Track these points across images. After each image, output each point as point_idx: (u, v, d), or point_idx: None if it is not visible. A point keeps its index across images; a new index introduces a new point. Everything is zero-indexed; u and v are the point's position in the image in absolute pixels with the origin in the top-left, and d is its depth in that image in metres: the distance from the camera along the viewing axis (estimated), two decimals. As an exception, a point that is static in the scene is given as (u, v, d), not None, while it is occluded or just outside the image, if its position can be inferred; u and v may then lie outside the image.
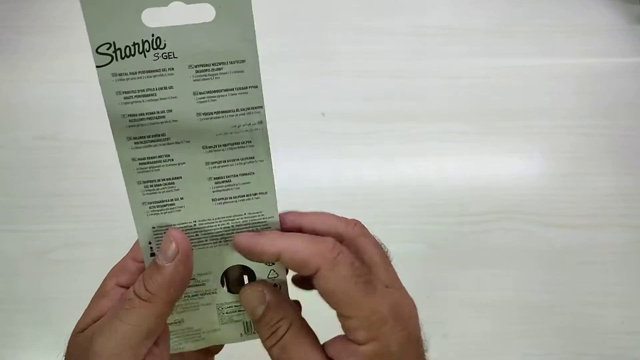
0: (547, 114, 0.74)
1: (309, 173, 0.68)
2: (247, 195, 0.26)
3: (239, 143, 0.25)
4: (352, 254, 0.26)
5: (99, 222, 0.62)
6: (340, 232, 0.27)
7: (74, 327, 0.27)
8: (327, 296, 0.25)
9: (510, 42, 0.81)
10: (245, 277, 0.28)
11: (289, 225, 0.27)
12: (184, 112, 0.24)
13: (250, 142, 0.25)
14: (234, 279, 0.28)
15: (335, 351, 0.25)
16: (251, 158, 0.26)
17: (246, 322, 0.29)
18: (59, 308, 0.56)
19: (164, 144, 0.25)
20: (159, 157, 0.25)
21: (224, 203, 0.26)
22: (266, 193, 0.26)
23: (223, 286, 0.28)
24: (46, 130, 0.70)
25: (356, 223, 0.28)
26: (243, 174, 0.26)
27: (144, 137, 0.25)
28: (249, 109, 0.25)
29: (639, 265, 0.62)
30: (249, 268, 0.28)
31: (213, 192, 0.26)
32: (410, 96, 0.75)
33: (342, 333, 0.26)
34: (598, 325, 0.58)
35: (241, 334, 0.29)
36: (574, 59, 0.79)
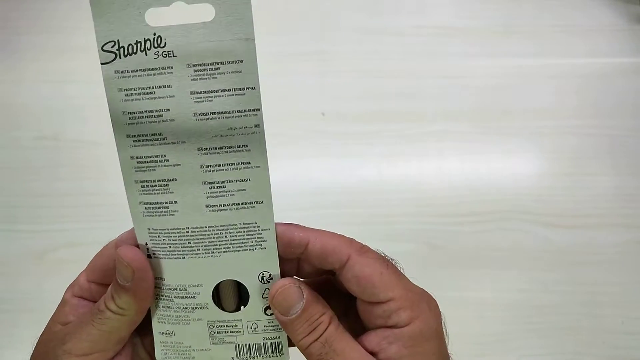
0: (547, 114, 0.74)
1: (309, 173, 0.68)
2: (241, 204, 0.25)
3: (234, 147, 0.24)
4: None
5: (99, 222, 0.62)
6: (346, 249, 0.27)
7: (41, 333, 0.29)
8: (362, 281, 0.25)
9: (510, 42, 0.81)
10: (233, 294, 0.27)
11: (297, 238, 0.26)
12: (181, 112, 0.24)
13: (247, 146, 0.24)
14: (226, 295, 0.27)
15: (375, 343, 0.25)
16: (247, 163, 0.25)
17: (238, 345, 0.27)
18: (59, 308, 0.56)
19: (161, 144, 0.24)
20: (155, 156, 0.25)
21: (218, 210, 0.25)
22: (262, 202, 0.25)
23: (214, 302, 0.27)
24: (46, 131, 0.70)
25: (362, 246, 0.27)
26: (238, 180, 0.25)
27: (142, 135, 0.24)
28: (245, 111, 0.24)
29: (639, 265, 0.62)
30: (241, 284, 0.27)
31: (207, 197, 0.25)
32: (410, 96, 0.75)
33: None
34: (598, 325, 0.58)
35: (232, 357, 0.28)
36: (574, 59, 0.79)
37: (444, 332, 0.26)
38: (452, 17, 0.84)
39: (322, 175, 0.67)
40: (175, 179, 0.25)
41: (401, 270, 0.27)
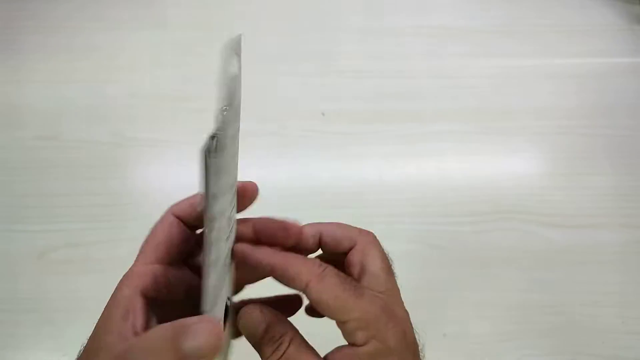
0: (547, 114, 0.74)
1: (309, 173, 0.68)
2: None
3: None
4: (336, 269, 0.27)
5: (99, 222, 0.62)
6: (354, 237, 0.29)
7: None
8: (320, 305, 0.26)
9: (510, 42, 0.81)
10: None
11: (311, 231, 0.29)
12: None
13: None
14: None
15: (339, 359, 0.26)
16: None
17: None
18: (59, 308, 0.56)
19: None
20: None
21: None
22: None
23: None
24: (47, 130, 0.70)
25: (369, 233, 0.30)
26: None
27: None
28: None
29: (639, 265, 0.62)
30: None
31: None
32: (410, 96, 0.75)
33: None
34: (597, 325, 0.58)
35: None
36: (573, 59, 0.80)
37: (414, 342, 0.28)
38: (452, 17, 0.84)
39: (322, 175, 0.67)
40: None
41: (394, 271, 0.29)
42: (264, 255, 0.28)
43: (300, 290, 0.27)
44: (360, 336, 0.26)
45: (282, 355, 0.26)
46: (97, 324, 0.26)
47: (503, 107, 0.74)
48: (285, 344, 0.26)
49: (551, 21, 0.83)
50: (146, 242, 0.28)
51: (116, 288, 0.27)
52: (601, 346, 0.57)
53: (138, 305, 0.26)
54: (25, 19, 0.81)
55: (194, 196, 0.29)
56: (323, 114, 0.72)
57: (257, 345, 0.27)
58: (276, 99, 0.74)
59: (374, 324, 0.26)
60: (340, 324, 0.26)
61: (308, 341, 0.28)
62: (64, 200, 0.64)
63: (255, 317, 0.27)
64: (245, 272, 0.29)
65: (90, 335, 0.26)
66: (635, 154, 0.70)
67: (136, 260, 0.28)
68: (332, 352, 0.27)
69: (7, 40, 0.79)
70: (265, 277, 0.29)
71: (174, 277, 0.28)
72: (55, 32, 0.79)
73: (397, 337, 0.26)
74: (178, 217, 0.29)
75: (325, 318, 0.27)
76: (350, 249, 0.29)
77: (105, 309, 0.26)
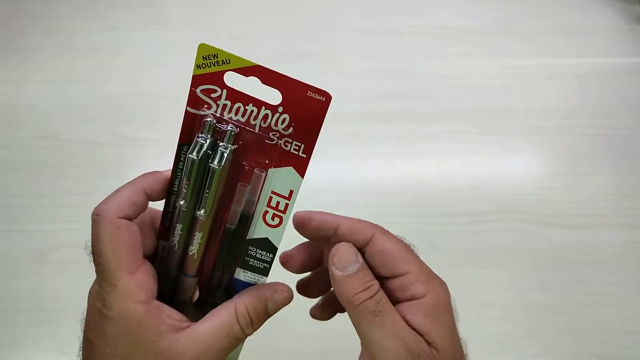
0: (547, 114, 0.74)
1: (309, 173, 0.68)
2: None
3: None
4: None
5: (99, 222, 0.62)
6: (369, 230, 0.30)
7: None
8: (384, 255, 0.28)
9: (510, 42, 0.81)
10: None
11: (328, 221, 0.30)
12: None
13: None
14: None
15: (402, 312, 0.28)
16: None
17: None
18: (59, 308, 0.56)
19: None
20: None
21: None
22: None
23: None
24: (47, 130, 0.70)
25: (384, 228, 0.31)
26: None
27: None
28: None
29: (639, 265, 0.62)
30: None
31: None
32: (410, 96, 0.75)
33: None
34: (597, 325, 0.58)
35: None
36: (574, 59, 0.80)
37: (454, 311, 0.29)
38: (452, 17, 0.84)
39: (322, 175, 0.67)
40: None
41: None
42: (326, 215, 0.30)
43: (363, 242, 0.29)
44: (420, 288, 0.28)
45: (375, 294, 0.27)
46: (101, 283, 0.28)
47: (503, 107, 0.74)
48: (376, 287, 0.28)
49: (551, 21, 0.83)
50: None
51: (98, 224, 0.29)
52: (601, 346, 0.57)
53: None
54: (25, 18, 0.81)
55: (160, 172, 0.31)
56: (323, 114, 0.72)
57: (347, 279, 0.28)
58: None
59: (431, 279, 0.28)
60: (396, 279, 0.28)
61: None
62: (64, 200, 0.64)
63: (352, 254, 0.28)
64: (309, 232, 0.30)
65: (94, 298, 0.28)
66: (635, 154, 0.70)
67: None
68: (396, 308, 0.28)
69: (7, 40, 0.79)
70: (324, 240, 0.30)
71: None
72: (55, 32, 0.79)
73: (446, 294, 0.29)
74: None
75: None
76: (367, 242, 0.29)
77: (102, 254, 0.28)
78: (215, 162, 0.27)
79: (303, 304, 0.34)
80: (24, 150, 0.68)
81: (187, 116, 0.28)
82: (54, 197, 0.64)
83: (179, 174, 0.30)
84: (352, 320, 0.28)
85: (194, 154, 0.28)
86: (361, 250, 0.29)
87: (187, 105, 0.28)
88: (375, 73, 0.77)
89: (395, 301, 0.28)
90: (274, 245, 0.30)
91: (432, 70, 0.78)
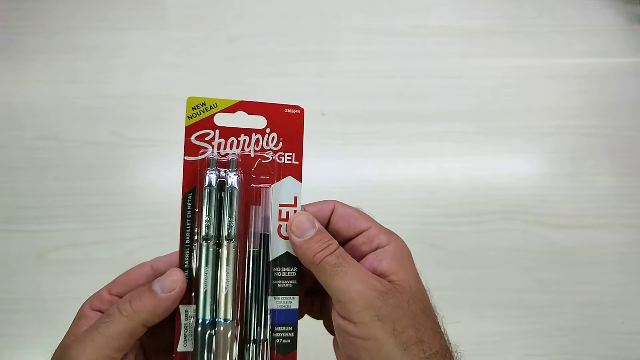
0: (547, 114, 0.74)
1: (309, 173, 0.68)
2: None
3: None
4: None
5: (99, 222, 0.62)
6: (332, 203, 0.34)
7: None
8: (347, 217, 0.32)
9: (510, 42, 0.81)
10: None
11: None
12: None
13: None
14: None
15: (368, 266, 0.30)
16: None
17: None
18: (58, 308, 0.56)
19: None
20: None
21: None
22: None
23: None
24: (46, 130, 0.70)
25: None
26: None
27: None
28: None
29: (639, 265, 0.62)
30: None
31: None
32: (410, 96, 0.75)
33: None
34: (597, 325, 0.58)
35: None
36: (574, 59, 0.79)
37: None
38: (452, 17, 0.84)
39: (322, 176, 0.67)
40: None
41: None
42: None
43: (328, 213, 0.32)
44: (383, 238, 0.31)
45: (333, 252, 0.29)
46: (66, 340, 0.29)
47: (503, 107, 0.74)
48: (335, 245, 0.30)
49: (551, 21, 0.83)
50: (120, 276, 0.31)
51: (83, 305, 0.30)
52: (601, 346, 0.57)
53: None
54: (25, 18, 0.81)
55: (174, 254, 0.31)
56: (323, 114, 0.72)
57: (306, 243, 0.30)
58: (276, 99, 0.74)
59: (390, 233, 0.32)
60: (360, 235, 0.31)
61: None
62: (64, 200, 0.64)
63: (307, 221, 0.31)
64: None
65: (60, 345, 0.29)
66: (636, 154, 0.70)
67: (105, 286, 0.31)
68: (361, 263, 0.31)
69: (7, 40, 0.79)
70: None
71: None
72: (55, 32, 0.79)
73: (406, 246, 0.32)
74: (153, 269, 0.31)
75: None
76: (331, 212, 0.33)
77: (73, 323, 0.30)
78: (233, 184, 0.30)
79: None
80: (24, 150, 0.68)
81: (187, 165, 0.31)
82: (53, 197, 0.64)
83: (189, 224, 0.30)
84: (318, 280, 0.30)
85: (210, 184, 0.30)
86: (328, 221, 0.32)
87: (184, 155, 0.31)
88: (375, 73, 0.77)
89: (362, 254, 0.31)
90: (294, 256, 0.31)
91: (432, 70, 0.78)
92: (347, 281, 0.28)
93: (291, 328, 0.31)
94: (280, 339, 0.31)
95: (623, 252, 0.63)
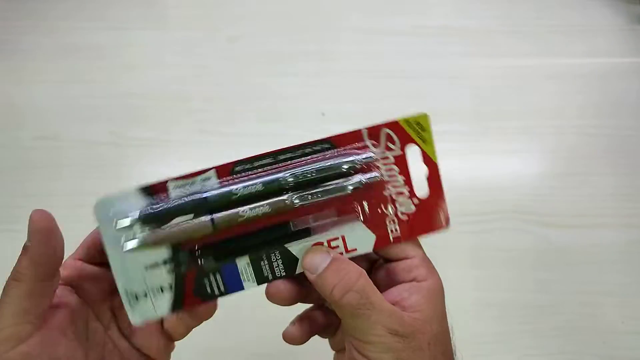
0: (547, 114, 0.74)
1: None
2: None
3: None
4: None
5: (99, 222, 0.62)
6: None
7: None
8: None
9: (511, 42, 0.81)
10: None
11: None
12: None
13: None
14: None
15: (396, 294, 0.29)
16: None
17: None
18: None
19: None
20: None
21: None
22: None
23: None
24: (46, 130, 0.70)
25: None
26: None
27: None
28: None
29: (639, 265, 0.62)
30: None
31: None
32: (410, 96, 0.75)
33: None
34: (598, 325, 0.58)
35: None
36: (574, 59, 0.79)
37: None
38: (452, 17, 0.84)
39: (322, 175, 0.67)
40: None
41: None
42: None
43: None
44: (422, 272, 0.30)
45: (352, 287, 0.27)
46: None
47: (503, 107, 0.74)
48: (354, 276, 0.28)
49: (551, 21, 0.83)
50: (83, 240, 0.31)
51: None
52: (601, 346, 0.57)
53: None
54: (25, 18, 0.81)
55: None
56: (323, 114, 0.72)
57: (319, 277, 0.28)
58: (276, 99, 0.74)
59: (431, 267, 0.31)
60: (401, 261, 0.30)
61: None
62: (64, 200, 0.64)
63: (319, 252, 0.29)
64: None
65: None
66: (635, 154, 0.70)
67: (71, 254, 0.30)
68: (388, 291, 0.30)
69: (7, 40, 0.79)
70: None
71: (92, 272, 0.30)
72: (55, 32, 0.79)
73: (442, 286, 0.31)
74: None
75: None
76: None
77: None
78: (368, 177, 0.30)
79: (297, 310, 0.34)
80: (23, 150, 0.68)
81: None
82: (54, 197, 0.64)
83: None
84: (337, 313, 0.29)
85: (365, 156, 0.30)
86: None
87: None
88: (375, 73, 0.77)
89: (397, 282, 0.30)
90: (296, 258, 0.30)
91: (432, 70, 0.78)
92: (369, 324, 0.27)
93: (226, 290, 0.29)
94: (210, 288, 0.29)
95: (623, 252, 0.63)
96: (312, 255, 0.29)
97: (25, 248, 0.27)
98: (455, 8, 0.85)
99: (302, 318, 0.34)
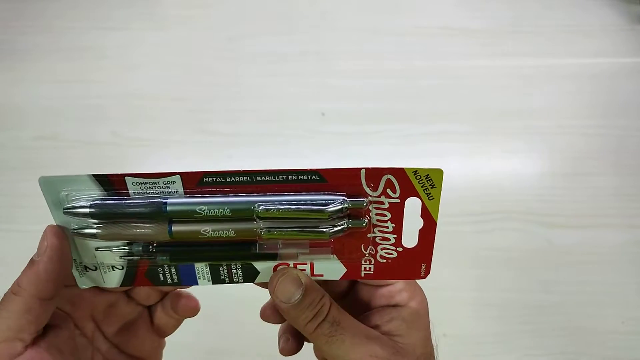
0: (547, 114, 0.74)
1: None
2: None
3: None
4: None
5: (99, 222, 0.62)
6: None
7: None
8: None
9: (510, 42, 0.81)
10: None
11: None
12: None
13: None
14: None
15: (375, 319, 0.29)
16: None
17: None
18: (59, 308, 0.56)
19: None
20: None
21: None
22: None
23: None
24: (46, 130, 0.70)
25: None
26: None
27: None
28: None
29: (639, 265, 0.62)
30: None
31: None
32: (410, 96, 0.75)
33: None
34: (598, 325, 0.58)
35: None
36: (574, 59, 0.79)
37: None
38: (452, 17, 0.84)
39: (322, 175, 0.67)
40: None
41: None
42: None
43: None
44: (405, 296, 0.29)
45: (325, 317, 0.27)
46: None
47: (503, 107, 0.74)
48: (327, 306, 0.27)
49: (552, 21, 0.83)
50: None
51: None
52: (601, 346, 0.57)
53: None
54: (24, 18, 0.81)
55: None
56: (323, 114, 0.72)
57: (294, 310, 0.27)
58: (276, 99, 0.74)
59: (414, 287, 0.30)
60: (382, 287, 0.29)
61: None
62: (64, 200, 0.64)
63: (291, 282, 0.27)
64: None
65: None
66: (636, 154, 0.70)
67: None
68: (369, 314, 0.29)
69: (7, 41, 0.79)
70: None
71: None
72: (54, 32, 0.79)
73: (426, 302, 0.30)
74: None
75: None
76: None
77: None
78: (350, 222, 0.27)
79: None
80: (24, 150, 0.68)
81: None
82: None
83: None
84: (312, 344, 0.28)
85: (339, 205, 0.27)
86: None
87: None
88: (375, 73, 0.77)
89: (379, 305, 0.29)
90: (258, 271, 0.28)
91: (432, 70, 0.78)
92: (344, 349, 0.26)
93: (180, 283, 0.28)
94: (163, 277, 0.28)
95: (623, 252, 0.63)
96: (283, 283, 0.27)
97: (32, 262, 0.26)
98: (456, 8, 0.85)
99: (292, 332, 0.32)
